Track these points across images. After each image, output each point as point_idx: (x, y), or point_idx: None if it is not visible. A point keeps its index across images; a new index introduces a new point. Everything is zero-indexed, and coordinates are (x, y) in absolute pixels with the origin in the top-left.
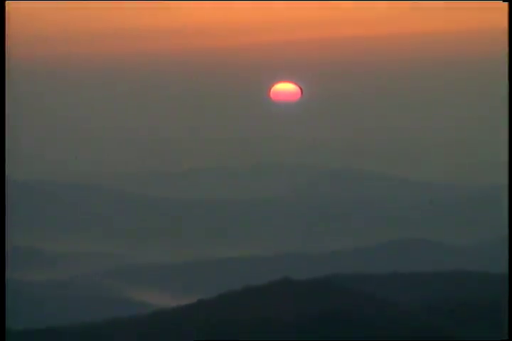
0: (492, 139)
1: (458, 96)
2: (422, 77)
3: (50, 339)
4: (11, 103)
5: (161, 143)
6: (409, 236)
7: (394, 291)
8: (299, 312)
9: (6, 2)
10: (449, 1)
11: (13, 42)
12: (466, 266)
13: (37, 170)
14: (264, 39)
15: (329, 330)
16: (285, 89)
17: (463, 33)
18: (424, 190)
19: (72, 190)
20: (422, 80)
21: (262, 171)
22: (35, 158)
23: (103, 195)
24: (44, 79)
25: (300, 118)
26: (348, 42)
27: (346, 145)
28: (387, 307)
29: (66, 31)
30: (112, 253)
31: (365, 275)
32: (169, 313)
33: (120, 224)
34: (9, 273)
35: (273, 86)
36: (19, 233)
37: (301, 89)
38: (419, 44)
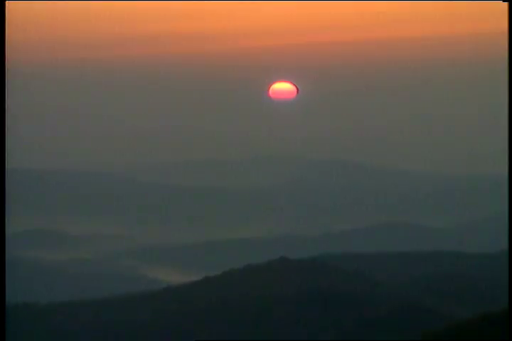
0: (483, 134)
1: (454, 94)
2: (420, 76)
3: (66, 314)
4: (11, 99)
5: (168, 137)
6: (395, 220)
7: (379, 270)
8: (294, 289)
9: (6, 2)
10: (449, 1)
11: (13, 42)
12: (445, 246)
13: (53, 160)
14: (264, 43)
15: (321, 305)
16: (282, 88)
17: (462, 33)
18: (411, 179)
19: (84, 178)
20: (420, 78)
21: (262, 162)
22: (49, 149)
23: (115, 183)
24: (45, 77)
25: (297, 114)
26: (347, 46)
27: (339, 139)
28: (374, 284)
29: (66, 32)
30: (127, 235)
31: (355, 255)
32: (179, 289)
33: (133, 208)
34: (32, 253)
35: (271, 85)
36: (40, 216)
37: (297, 88)
38: (418, 45)
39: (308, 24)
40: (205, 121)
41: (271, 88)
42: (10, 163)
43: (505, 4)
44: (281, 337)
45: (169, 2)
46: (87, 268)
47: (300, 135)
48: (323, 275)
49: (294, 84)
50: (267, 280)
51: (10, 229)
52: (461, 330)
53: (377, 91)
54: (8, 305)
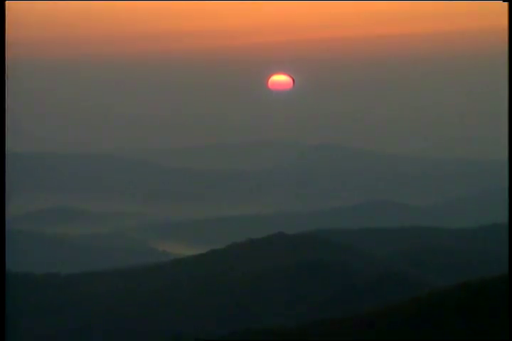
0: (469, 122)
1: (449, 86)
2: (416, 69)
3: (89, 281)
4: (12, 92)
5: (179, 123)
6: (381, 198)
7: (365, 243)
8: (291, 260)
9: (6, 2)
10: (449, 1)
11: (13, 42)
12: (425, 222)
13: (73, 146)
14: (263, 39)
15: (315, 275)
16: (280, 80)
17: (463, 33)
18: (397, 163)
19: (102, 162)
20: (419, 72)
21: (261, 147)
22: (72, 136)
23: (129, 166)
24: (48, 72)
25: (293, 103)
26: (344, 42)
27: (333, 125)
28: (362, 255)
29: (66, 31)
30: (139, 212)
31: (345, 230)
32: (186, 261)
33: (145, 188)
34: (57, 229)
35: (270, 77)
36: (62, 195)
37: (293, 79)
38: (418, 43)
39: (306, 22)
40: (209, 111)
41: (270, 80)
42: (35, 148)
43: (506, 4)
44: (280, 303)
45: (173, 2)
46: (103, 241)
47: (296, 122)
48: (317, 248)
49: (290, 76)
50: (267, 253)
51: (34, 206)
52: (442, 297)
53: (371, 83)
54: (33, 275)
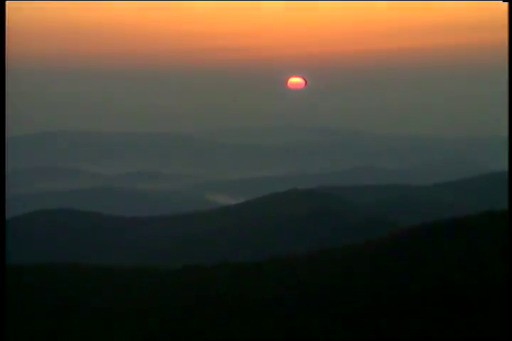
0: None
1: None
2: (419, 67)
3: (162, 222)
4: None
5: (220, 111)
6: (365, 164)
7: (356, 195)
8: (303, 207)
9: (6, 2)
10: (450, 0)
11: (13, 42)
12: (398, 181)
13: (155, 125)
14: (286, 52)
15: (319, 218)
16: (296, 81)
17: (463, 32)
18: (376, 139)
19: (172, 139)
20: (418, 68)
21: (281, 129)
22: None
23: (188, 142)
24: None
25: (306, 99)
26: (352, 53)
27: (334, 114)
28: (353, 205)
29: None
30: (199, 174)
31: (340, 187)
32: (230, 208)
33: (203, 158)
34: (137, 185)
35: (288, 79)
36: (142, 160)
37: (306, 81)
38: (420, 43)
39: (321, 38)
40: (243, 104)
41: (288, 81)
42: (122, 128)
43: (506, 4)
44: (296, 238)
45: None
46: (170, 194)
47: (306, 111)
48: (321, 199)
49: (304, 79)
50: (286, 202)
51: (122, 169)
52: (409, 234)
53: (364, 86)
54: (124, 217)
